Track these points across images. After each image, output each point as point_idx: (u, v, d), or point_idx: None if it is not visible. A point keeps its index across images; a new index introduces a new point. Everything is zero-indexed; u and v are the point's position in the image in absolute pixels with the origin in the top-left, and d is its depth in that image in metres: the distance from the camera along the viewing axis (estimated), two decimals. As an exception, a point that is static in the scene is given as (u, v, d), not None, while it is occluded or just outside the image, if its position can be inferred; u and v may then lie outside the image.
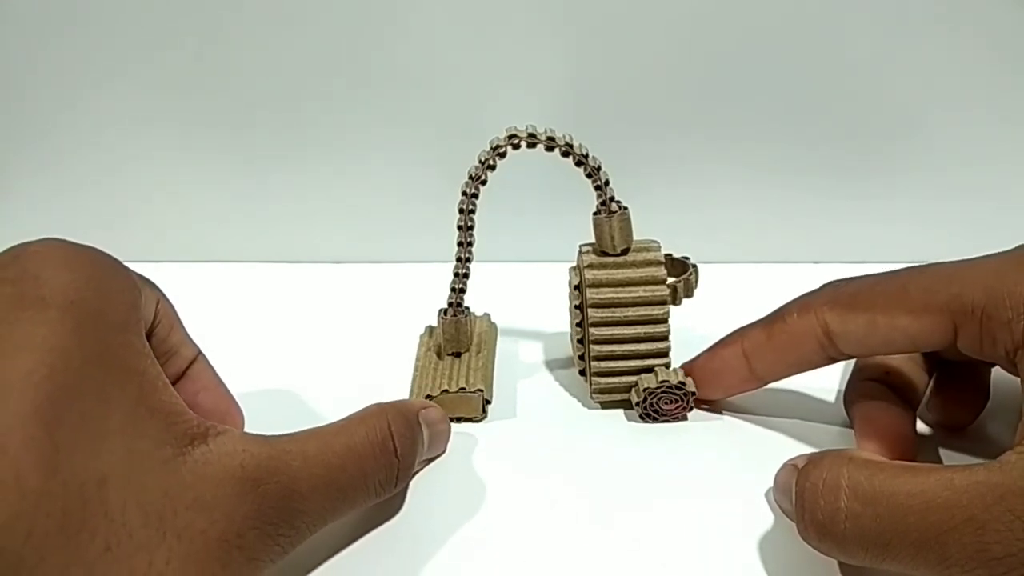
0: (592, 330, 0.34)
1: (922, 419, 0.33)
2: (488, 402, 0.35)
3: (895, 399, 0.31)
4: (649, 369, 0.34)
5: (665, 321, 0.33)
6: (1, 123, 0.46)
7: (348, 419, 0.27)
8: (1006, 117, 0.45)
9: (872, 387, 0.32)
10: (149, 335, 0.26)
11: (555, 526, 0.29)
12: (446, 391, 0.35)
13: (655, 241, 0.35)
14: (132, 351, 0.22)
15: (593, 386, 0.35)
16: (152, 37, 0.44)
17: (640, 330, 0.34)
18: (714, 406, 0.35)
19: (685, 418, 0.34)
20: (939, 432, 0.33)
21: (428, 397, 0.35)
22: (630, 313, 0.33)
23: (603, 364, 0.34)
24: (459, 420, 0.35)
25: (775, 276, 0.45)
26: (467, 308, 0.37)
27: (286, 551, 0.24)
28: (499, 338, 0.40)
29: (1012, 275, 0.26)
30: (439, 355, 0.37)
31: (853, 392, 0.33)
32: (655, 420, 0.34)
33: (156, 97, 0.45)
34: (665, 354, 0.34)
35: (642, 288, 0.33)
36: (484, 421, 0.35)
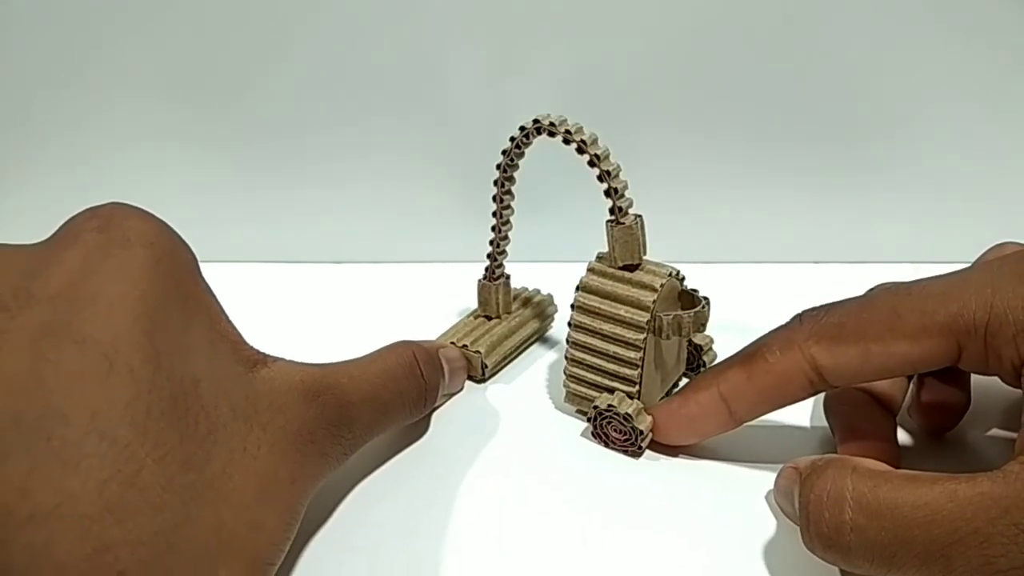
0: (571, 332, 0.34)
1: (904, 425, 0.33)
2: (486, 366, 0.37)
3: (877, 406, 0.31)
4: (613, 390, 0.33)
5: (638, 348, 0.32)
6: (6, 128, 0.47)
7: (378, 351, 0.31)
8: (1006, 117, 0.45)
9: (853, 394, 0.31)
10: None
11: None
12: (453, 343, 0.38)
13: (672, 269, 0.33)
14: (200, 288, 0.26)
15: (564, 387, 0.35)
16: (155, 40, 0.44)
17: (612, 348, 0.33)
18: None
19: (636, 455, 0.33)
20: (920, 437, 0.33)
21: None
22: (606, 328, 0.33)
23: (574, 369, 0.34)
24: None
25: (775, 276, 0.45)
26: (505, 277, 0.39)
27: (347, 453, 0.27)
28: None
29: (1010, 289, 0.26)
30: (476, 316, 0.40)
31: (834, 399, 0.32)
32: (605, 444, 0.33)
33: (157, 98, 0.45)
34: (631, 382, 0.33)
35: (625, 308, 0.32)
36: (483, 383, 0.38)
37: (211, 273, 0.44)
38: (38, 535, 0.19)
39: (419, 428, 0.35)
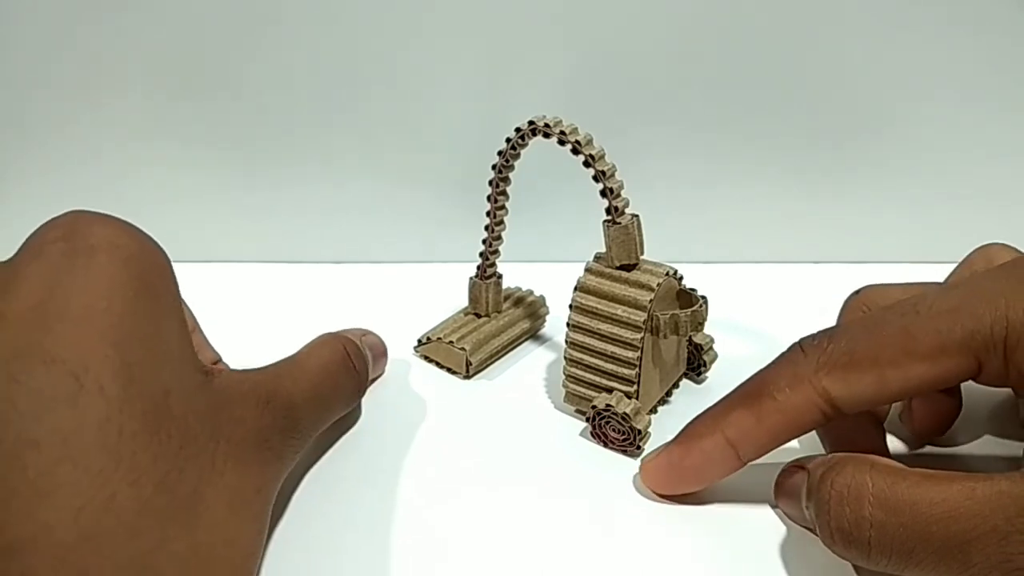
0: (569, 332, 0.34)
1: (894, 431, 0.33)
2: (471, 363, 0.37)
3: (865, 415, 0.31)
4: (612, 390, 0.33)
5: (635, 348, 0.32)
6: (4, 128, 0.46)
7: (308, 346, 0.31)
8: (1005, 117, 0.45)
9: None
10: None
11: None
12: (440, 339, 0.38)
13: (669, 268, 0.33)
14: (171, 291, 0.25)
15: (563, 387, 0.35)
16: (155, 43, 0.44)
17: (610, 348, 0.33)
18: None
19: (634, 455, 0.33)
20: (911, 444, 0.33)
21: (427, 340, 0.39)
22: (604, 328, 0.33)
23: (573, 369, 0.34)
24: (449, 370, 0.38)
25: (775, 276, 0.45)
26: (496, 276, 0.39)
27: (298, 451, 0.28)
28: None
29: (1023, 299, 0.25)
30: (466, 313, 0.40)
31: None
32: (604, 444, 0.33)
33: (158, 100, 0.45)
34: (629, 381, 0.33)
35: (623, 308, 0.32)
36: (465, 379, 0.38)
37: (211, 273, 0.46)
38: (14, 567, 0.19)
39: (420, 417, 0.35)
